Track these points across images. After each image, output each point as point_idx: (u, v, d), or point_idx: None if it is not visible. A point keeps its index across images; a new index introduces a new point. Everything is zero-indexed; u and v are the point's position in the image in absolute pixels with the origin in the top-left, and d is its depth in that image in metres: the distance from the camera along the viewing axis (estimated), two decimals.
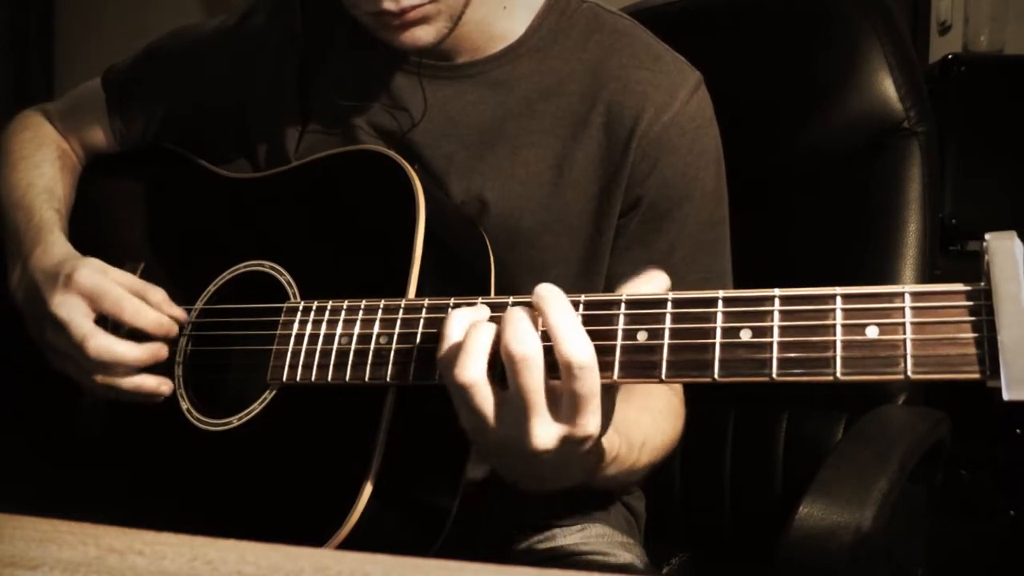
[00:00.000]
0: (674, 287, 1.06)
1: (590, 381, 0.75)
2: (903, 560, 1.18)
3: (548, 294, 0.77)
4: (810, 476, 1.01)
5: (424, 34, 1.00)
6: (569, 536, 1.12)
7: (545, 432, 0.77)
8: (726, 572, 1.30)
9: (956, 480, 2.04)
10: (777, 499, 1.26)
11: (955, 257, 2.20)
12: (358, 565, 0.53)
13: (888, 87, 1.26)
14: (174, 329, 1.03)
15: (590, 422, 0.77)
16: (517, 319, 0.76)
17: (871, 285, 1.22)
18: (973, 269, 0.70)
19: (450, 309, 0.84)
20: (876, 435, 1.14)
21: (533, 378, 0.75)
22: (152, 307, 1.02)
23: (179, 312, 1.03)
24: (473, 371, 0.77)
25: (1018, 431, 2.02)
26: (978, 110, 2.17)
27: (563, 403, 0.76)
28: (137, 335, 1.01)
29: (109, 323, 1.02)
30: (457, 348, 0.78)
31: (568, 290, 1.06)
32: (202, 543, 0.57)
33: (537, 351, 0.75)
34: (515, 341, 0.75)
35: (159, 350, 1.01)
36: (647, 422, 1.00)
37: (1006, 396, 0.64)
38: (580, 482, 0.81)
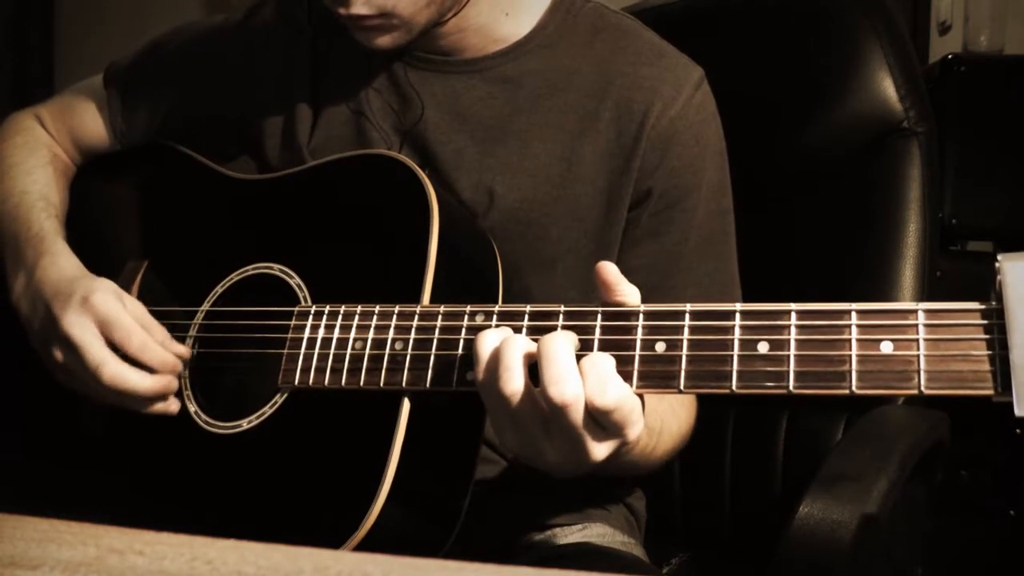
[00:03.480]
0: (686, 277, 1.08)
1: (626, 410, 0.77)
2: (903, 560, 1.18)
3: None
4: (810, 476, 1.01)
5: (381, 41, 1.04)
6: (569, 536, 1.12)
7: (599, 449, 0.79)
8: (726, 572, 1.30)
9: (956, 480, 2.04)
10: (777, 499, 1.26)
11: (955, 257, 2.20)
12: (358, 565, 0.53)
13: (888, 87, 1.26)
14: (178, 366, 1.02)
15: (635, 431, 0.79)
16: (556, 358, 0.77)
17: (871, 285, 1.23)
18: (974, 269, 0.71)
19: (482, 325, 0.85)
20: (876, 435, 1.14)
21: (578, 419, 0.77)
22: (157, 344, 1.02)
23: (182, 349, 1.03)
24: (516, 382, 0.78)
25: (1018, 431, 2.02)
26: (978, 110, 2.17)
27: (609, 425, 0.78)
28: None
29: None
30: (495, 362, 0.79)
31: (577, 282, 1.08)
32: (202, 543, 0.57)
33: (578, 396, 0.76)
34: (555, 384, 0.76)
35: (169, 383, 1.01)
36: (663, 409, 1.01)
37: (1018, 412, 0.66)
38: (599, 468, 0.83)
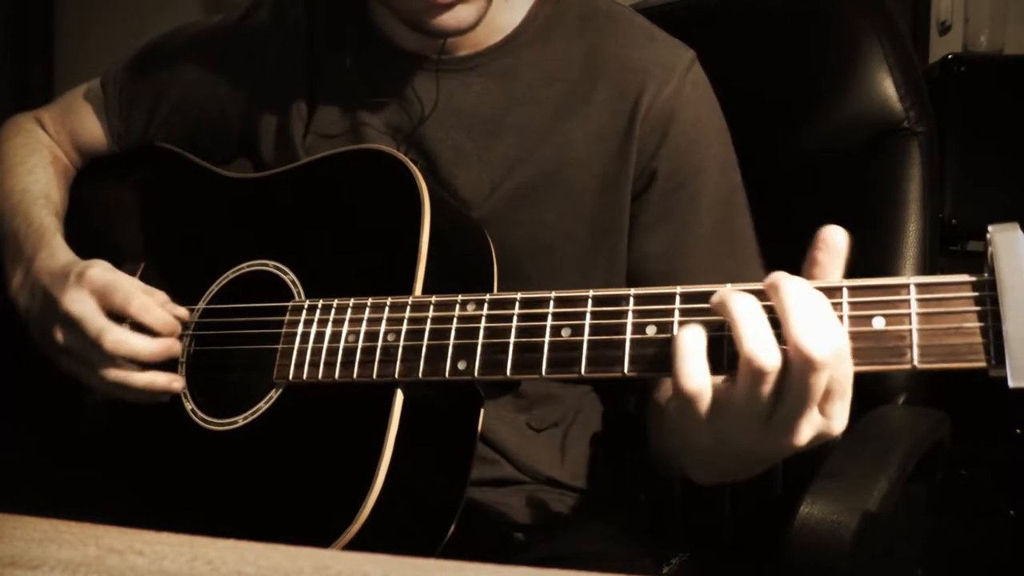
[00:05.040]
0: (704, 257, 1.08)
1: (841, 371, 0.71)
2: (903, 560, 1.18)
3: (783, 283, 0.71)
4: (810, 476, 1.01)
5: (466, 14, 1.03)
6: (569, 536, 1.12)
7: (809, 427, 0.73)
8: (726, 572, 1.30)
9: (956, 480, 2.03)
10: (777, 499, 1.25)
11: (955, 257, 2.20)
12: (357, 565, 0.53)
13: (888, 87, 1.26)
14: (178, 328, 1.03)
15: (842, 413, 0.74)
16: (751, 320, 0.71)
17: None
18: (974, 269, 0.71)
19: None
20: (876, 435, 1.14)
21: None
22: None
23: (182, 311, 1.04)
24: (698, 378, 0.73)
25: (1018, 431, 2.02)
26: (978, 110, 2.17)
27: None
28: (145, 333, 1.01)
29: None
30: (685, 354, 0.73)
31: (575, 266, 1.08)
32: (202, 543, 0.57)
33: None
34: (757, 350, 0.70)
35: (172, 345, 1.02)
36: None
37: (1011, 384, 0.65)
38: (778, 457, 0.78)
